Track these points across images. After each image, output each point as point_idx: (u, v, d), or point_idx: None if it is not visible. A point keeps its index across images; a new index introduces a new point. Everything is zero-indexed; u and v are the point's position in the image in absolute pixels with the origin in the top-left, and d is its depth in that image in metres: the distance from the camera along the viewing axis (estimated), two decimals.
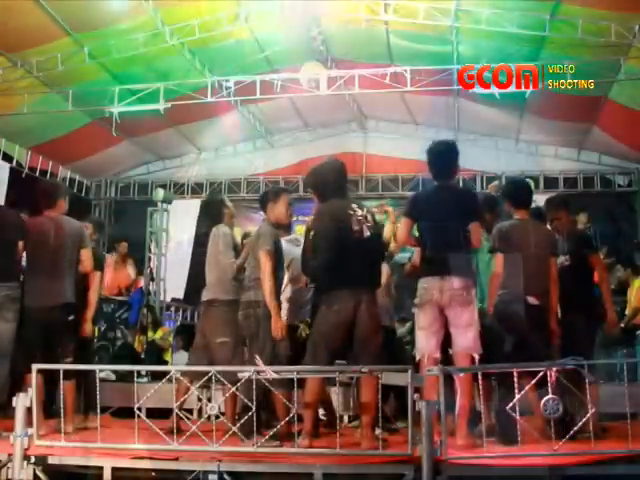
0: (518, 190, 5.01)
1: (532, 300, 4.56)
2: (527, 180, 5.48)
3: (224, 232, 5.18)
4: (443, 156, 4.58)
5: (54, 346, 4.91)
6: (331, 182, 4.55)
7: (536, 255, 4.65)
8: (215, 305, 5.06)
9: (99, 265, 5.70)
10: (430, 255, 4.41)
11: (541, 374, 3.50)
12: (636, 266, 8.31)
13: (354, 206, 4.43)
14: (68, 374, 4.45)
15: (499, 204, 5.24)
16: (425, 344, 4.35)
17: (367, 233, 4.35)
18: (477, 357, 4.25)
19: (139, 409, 3.89)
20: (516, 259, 4.63)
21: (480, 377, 4.13)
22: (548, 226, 5.14)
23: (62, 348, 4.90)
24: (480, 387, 3.91)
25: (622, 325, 7.58)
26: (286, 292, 5.16)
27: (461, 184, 11.43)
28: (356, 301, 4.24)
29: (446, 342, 4.46)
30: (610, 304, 5.04)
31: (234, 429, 3.77)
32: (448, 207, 4.42)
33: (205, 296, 5.17)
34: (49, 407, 5.41)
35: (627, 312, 7.84)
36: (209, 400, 5.28)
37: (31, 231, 4.97)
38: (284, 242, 5.07)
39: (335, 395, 5.43)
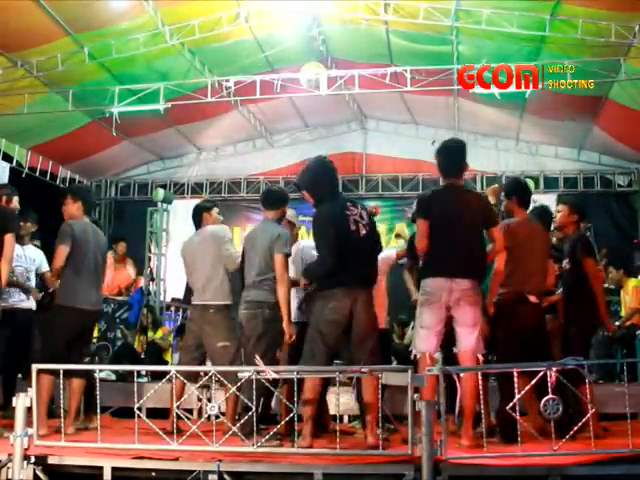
0: (525, 190, 5.01)
1: (534, 298, 4.57)
2: (524, 180, 5.48)
3: (223, 229, 5.26)
4: (455, 153, 4.59)
5: (81, 346, 5.12)
6: (326, 182, 4.57)
7: (537, 255, 4.66)
8: (212, 310, 5.05)
9: None
10: (441, 255, 4.36)
11: (541, 374, 3.50)
12: (628, 267, 8.32)
13: (349, 204, 4.45)
14: (80, 372, 4.63)
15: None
16: (426, 343, 4.33)
17: (363, 232, 4.38)
18: (481, 357, 4.26)
19: (139, 409, 3.88)
20: (522, 257, 4.63)
21: (480, 377, 4.14)
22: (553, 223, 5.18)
23: (86, 348, 5.22)
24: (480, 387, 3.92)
25: (619, 325, 7.61)
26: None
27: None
28: (352, 299, 4.26)
29: (449, 341, 4.46)
30: (604, 310, 5.01)
31: (234, 429, 3.77)
32: (463, 207, 4.42)
33: (199, 299, 5.17)
34: (49, 407, 5.43)
35: (622, 313, 7.84)
36: (209, 400, 5.28)
37: (77, 235, 5.04)
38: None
39: (335, 395, 5.44)
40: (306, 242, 5.29)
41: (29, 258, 5.90)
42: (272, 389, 4.16)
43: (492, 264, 4.75)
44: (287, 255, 4.73)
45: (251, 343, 4.78)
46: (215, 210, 5.49)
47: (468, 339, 4.28)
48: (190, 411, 6.27)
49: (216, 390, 4.63)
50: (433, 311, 4.32)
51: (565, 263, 4.93)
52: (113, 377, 6.92)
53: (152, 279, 10.89)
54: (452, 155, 4.59)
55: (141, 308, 9.10)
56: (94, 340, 7.72)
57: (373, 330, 4.35)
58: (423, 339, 4.37)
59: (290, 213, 5.29)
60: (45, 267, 6.02)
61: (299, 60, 9.37)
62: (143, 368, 7.29)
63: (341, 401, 5.66)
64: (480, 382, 4.03)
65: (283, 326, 4.66)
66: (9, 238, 4.84)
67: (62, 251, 4.95)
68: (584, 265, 4.87)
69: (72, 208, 5.19)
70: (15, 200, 5.39)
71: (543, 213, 5.34)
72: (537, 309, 4.59)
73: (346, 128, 12.95)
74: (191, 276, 5.30)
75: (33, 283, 5.89)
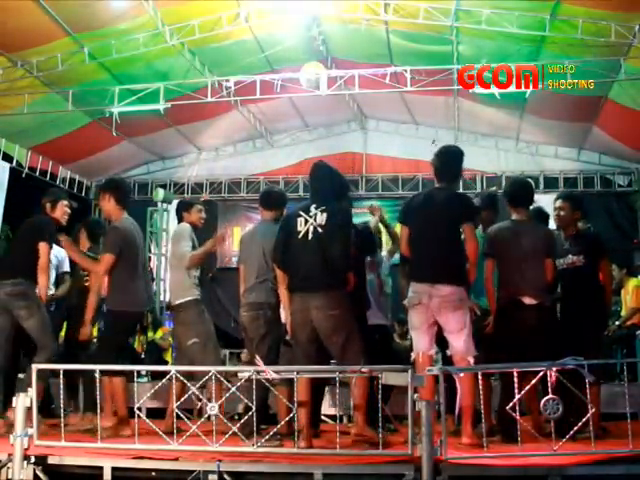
0: (515, 189, 5.00)
1: (528, 300, 4.56)
2: (526, 180, 5.47)
3: (176, 229, 5.41)
4: (455, 159, 4.59)
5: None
6: (309, 185, 4.64)
7: (530, 255, 4.64)
8: (180, 310, 5.17)
9: None
10: (419, 261, 4.40)
11: (541, 374, 3.50)
12: (630, 267, 8.31)
13: (312, 207, 4.35)
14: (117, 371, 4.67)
15: (498, 202, 5.25)
16: (419, 343, 4.39)
17: (312, 234, 4.28)
18: (472, 360, 4.26)
19: (139, 409, 3.88)
20: (509, 261, 4.63)
21: (480, 377, 4.14)
22: (552, 219, 5.15)
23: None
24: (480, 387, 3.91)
25: (619, 325, 7.61)
26: None
27: (461, 184, 11.53)
28: (306, 306, 4.24)
29: (444, 342, 4.47)
30: (609, 309, 5.01)
31: (234, 429, 3.76)
32: (437, 211, 4.40)
33: (171, 301, 5.33)
34: (48, 407, 5.43)
35: (623, 313, 7.83)
36: (209, 400, 5.28)
37: (128, 236, 5.03)
38: None
39: (335, 395, 5.43)
40: None
41: None
42: (272, 388, 4.16)
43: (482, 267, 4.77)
44: None
45: (254, 344, 4.80)
46: (195, 209, 5.50)
47: (456, 344, 4.31)
48: (190, 411, 6.27)
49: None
50: (417, 313, 4.37)
51: (575, 260, 4.86)
52: None
53: (152, 279, 10.89)
54: (452, 161, 4.59)
55: None
56: (94, 340, 7.71)
57: (337, 329, 4.23)
58: (415, 340, 4.44)
59: None
60: (65, 267, 6.00)
61: (299, 60, 9.37)
62: (143, 368, 7.29)
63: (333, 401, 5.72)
64: (480, 382, 4.03)
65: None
66: (42, 247, 4.95)
67: (109, 260, 4.89)
68: (602, 265, 4.85)
69: (108, 205, 5.16)
70: (61, 205, 5.33)
71: (538, 214, 5.35)
72: (534, 310, 4.57)
73: (346, 128, 12.96)
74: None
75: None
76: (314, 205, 4.36)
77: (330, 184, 4.52)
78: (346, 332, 4.24)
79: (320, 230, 4.28)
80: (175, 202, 11.75)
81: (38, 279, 4.97)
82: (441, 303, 4.27)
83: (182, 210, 5.54)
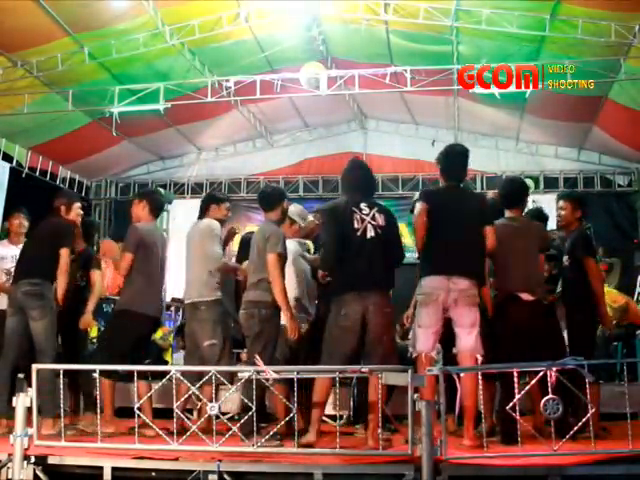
0: (506, 191, 5.03)
1: (526, 296, 4.57)
2: (519, 179, 5.48)
3: (209, 223, 5.23)
4: (460, 159, 4.62)
5: (141, 349, 5.19)
6: (347, 180, 4.63)
7: (522, 253, 4.65)
8: (201, 307, 5.09)
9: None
10: (440, 252, 4.35)
11: (541, 374, 3.50)
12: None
13: (362, 205, 4.37)
14: (141, 374, 4.63)
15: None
16: (424, 343, 4.35)
17: (371, 233, 4.31)
18: (480, 358, 4.26)
19: (139, 409, 3.88)
20: (504, 258, 4.64)
21: (480, 377, 4.14)
22: (552, 219, 5.17)
23: (142, 353, 5.20)
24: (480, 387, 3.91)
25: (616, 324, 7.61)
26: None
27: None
28: (364, 305, 4.23)
29: (449, 342, 4.47)
30: (604, 310, 4.98)
31: (234, 429, 3.76)
32: (463, 206, 4.43)
33: (188, 297, 5.19)
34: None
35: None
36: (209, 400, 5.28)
37: (147, 237, 5.09)
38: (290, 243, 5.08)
39: (334, 395, 5.43)
40: (288, 241, 5.24)
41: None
42: (271, 388, 4.16)
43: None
44: (279, 254, 4.68)
45: (249, 342, 4.80)
46: (224, 205, 5.47)
47: (466, 339, 4.30)
48: (190, 411, 6.26)
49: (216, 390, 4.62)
50: (430, 311, 4.34)
51: (565, 260, 4.92)
52: None
53: None
54: (457, 161, 4.62)
55: None
56: (94, 340, 7.72)
57: (385, 335, 4.28)
58: (420, 338, 4.38)
59: (291, 210, 5.27)
60: None
61: (299, 60, 9.37)
62: (143, 368, 7.25)
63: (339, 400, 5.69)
64: (480, 382, 4.03)
65: (285, 324, 4.65)
66: (64, 252, 5.01)
67: (127, 259, 4.98)
68: (584, 264, 4.84)
69: (141, 212, 5.25)
70: (75, 207, 5.41)
71: (538, 215, 5.35)
72: (532, 306, 4.58)
73: (346, 128, 12.96)
74: (186, 272, 5.36)
75: None
76: (364, 203, 4.38)
77: (372, 182, 4.71)
78: (392, 332, 4.36)
79: (379, 231, 4.32)
80: (175, 202, 11.92)
81: (57, 281, 5.01)
82: (459, 297, 4.27)
83: (212, 202, 5.40)
